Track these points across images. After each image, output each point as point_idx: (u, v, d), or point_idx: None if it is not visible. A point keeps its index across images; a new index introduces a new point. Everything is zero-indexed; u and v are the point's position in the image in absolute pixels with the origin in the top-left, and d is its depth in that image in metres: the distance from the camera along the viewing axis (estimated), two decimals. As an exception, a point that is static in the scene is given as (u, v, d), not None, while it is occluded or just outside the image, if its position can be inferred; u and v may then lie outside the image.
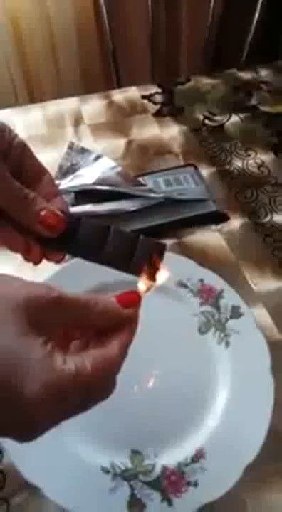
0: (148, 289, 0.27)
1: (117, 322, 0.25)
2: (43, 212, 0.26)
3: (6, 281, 0.23)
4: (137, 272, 0.27)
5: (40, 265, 0.48)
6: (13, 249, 0.28)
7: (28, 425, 0.21)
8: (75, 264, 0.44)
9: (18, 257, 0.49)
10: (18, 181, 0.27)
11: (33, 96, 1.00)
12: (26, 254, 0.28)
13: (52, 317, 0.22)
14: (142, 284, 0.27)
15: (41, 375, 0.20)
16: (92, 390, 0.23)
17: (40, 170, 0.29)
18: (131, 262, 0.27)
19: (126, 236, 0.28)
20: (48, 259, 0.29)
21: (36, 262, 0.28)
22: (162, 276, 0.29)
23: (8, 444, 0.34)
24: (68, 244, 0.28)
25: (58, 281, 0.42)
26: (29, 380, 0.20)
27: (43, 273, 0.43)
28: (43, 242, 0.28)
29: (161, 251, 0.28)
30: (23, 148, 0.28)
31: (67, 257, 0.30)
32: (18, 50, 0.94)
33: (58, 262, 0.29)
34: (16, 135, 0.28)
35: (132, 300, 0.25)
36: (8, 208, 0.26)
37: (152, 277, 0.27)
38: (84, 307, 0.23)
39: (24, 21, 0.91)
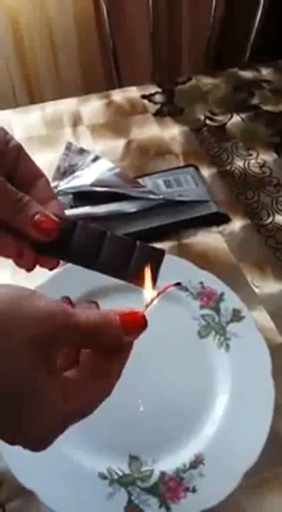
0: (152, 301, 0.27)
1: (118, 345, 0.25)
2: (37, 216, 0.26)
3: (14, 307, 0.21)
4: (133, 280, 0.27)
5: (35, 270, 0.48)
6: (5, 254, 0.27)
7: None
8: (72, 267, 0.43)
9: (13, 263, 0.49)
10: (13, 184, 0.26)
11: (33, 96, 1.00)
12: (18, 260, 0.27)
13: (59, 344, 0.22)
14: (147, 293, 0.27)
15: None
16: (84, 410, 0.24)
17: (36, 173, 0.28)
18: (127, 270, 0.27)
19: (123, 242, 0.27)
20: (42, 265, 0.28)
21: (29, 269, 0.28)
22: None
23: (5, 449, 0.34)
24: (62, 250, 0.27)
25: (56, 284, 0.42)
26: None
27: (40, 276, 0.42)
28: (36, 248, 0.27)
29: (159, 258, 0.27)
30: (19, 151, 0.28)
31: (61, 263, 0.29)
32: (17, 50, 0.94)
33: (51, 268, 0.28)
34: (11, 137, 0.27)
35: (137, 326, 0.25)
36: (1, 211, 0.26)
37: (150, 286, 0.27)
38: (91, 331, 0.23)
39: (24, 21, 0.90)
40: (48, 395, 0.21)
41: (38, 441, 0.23)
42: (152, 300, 0.27)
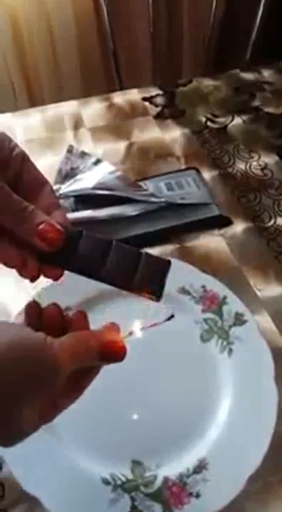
0: (131, 334, 0.28)
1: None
2: (41, 226, 0.25)
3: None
4: (137, 291, 0.26)
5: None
6: (8, 264, 0.27)
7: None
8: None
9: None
10: (17, 192, 0.26)
11: (33, 98, 1.00)
12: (22, 270, 0.27)
13: None
14: (137, 324, 0.28)
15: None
16: None
17: (41, 181, 0.28)
18: (132, 280, 0.26)
19: (128, 252, 0.27)
20: (46, 275, 0.28)
21: (33, 279, 0.27)
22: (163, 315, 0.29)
23: (8, 455, 0.34)
24: (66, 260, 0.27)
25: (58, 288, 0.42)
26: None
27: (42, 282, 0.42)
28: (40, 258, 0.27)
29: (164, 269, 0.27)
30: (23, 159, 0.27)
31: (65, 272, 0.29)
32: (17, 52, 0.94)
33: (56, 278, 0.28)
34: (15, 145, 0.27)
35: (115, 358, 0.26)
36: (5, 220, 0.25)
37: (155, 295, 0.26)
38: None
39: (24, 22, 0.90)
40: (25, 417, 0.23)
41: (8, 440, 0.24)
42: (131, 333, 0.28)
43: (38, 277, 0.27)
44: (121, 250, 0.27)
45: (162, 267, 0.27)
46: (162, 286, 0.26)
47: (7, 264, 0.27)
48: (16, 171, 0.27)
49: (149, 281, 0.26)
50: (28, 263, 0.26)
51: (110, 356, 0.26)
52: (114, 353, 0.26)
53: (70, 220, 0.28)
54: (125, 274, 0.26)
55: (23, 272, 0.27)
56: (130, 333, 0.28)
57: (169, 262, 0.27)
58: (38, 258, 0.27)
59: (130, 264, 0.26)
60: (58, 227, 0.26)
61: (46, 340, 0.23)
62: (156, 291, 0.26)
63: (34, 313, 0.27)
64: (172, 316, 0.30)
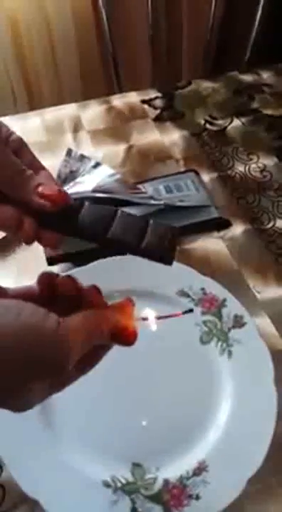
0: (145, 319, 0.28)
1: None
2: (41, 187, 0.25)
3: None
4: (148, 255, 0.25)
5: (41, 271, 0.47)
6: (3, 224, 0.26)
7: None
8: (74, 274, 0.43)
9: (17, 267, 0.49)
10: None
11: (33, 101, 1.00)
12: (18, 232, 0.26)
13: None
14: (152, 312, 0.28)
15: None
16: None
17: (38, 167, 0.27)
18: (140, 244, 0.25)
19: (135, 219, 0.26)
20: (43, 243, 0.26)
21: (28, 241, 0.26)
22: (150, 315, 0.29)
23: (8, 458, 0.34)
24: (68, 224, 0.25)
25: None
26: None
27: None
28: (40, 219, 0.25)
29: (173, 235, 0.25)
30: (20, 145, 0.27)
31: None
32: (17, 54, 0.94)
33: (53, 246, 0.27)
34: (12, 132, 0.27)
35: (124, 343, 0.26)
36: (4, 181, 0.25)
37: (166, 259, 0.25)
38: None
39: (23, 26, 0.91)
40: (35, 391, 0.23)
41: (17, 408, 0.23)
42: (145, 319, 0.28)
43: (33, 240, 0.26)
44: (127, 217, 0.25)
45: (171, 231, 0.25)
46: (171, 249, 0.25)
47: (2, 225, 0.26)
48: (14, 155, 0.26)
49: (158, 245, 0.25)
50: (24, 224, 0.25)
51: (120, 340, 0.26)
52: (124, 338, 0.26)
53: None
54: (132, 237, 0.25)
55: (19, 234, 0.26)
56: (144, 319, 0.28)
57: (178, 229, 0.26)
58: (38, 219, 0.25)
59: (137, 229, 0.25)
60: (59, 187, 0.25)
61: (58, 326, 0.22)
62: (166, 255, 0.25)
63: (47, 284, 0.26)
64: (191, 310, 0.30)
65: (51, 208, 0.25)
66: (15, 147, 0.27)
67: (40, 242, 0.26)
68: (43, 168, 0.28)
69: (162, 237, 0.25)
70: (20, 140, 0.27)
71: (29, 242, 0.26)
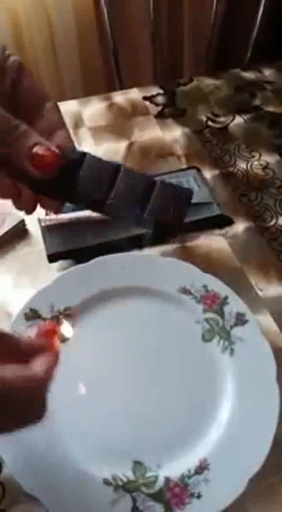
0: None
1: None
2: (35, 149, 0.21)
3: None
4: (155, 221, 0.22)
5: (39, 273, 0.48)
6: (2, 195, 0.24)
7: None
8: (74, 271, 0.43)
9: (17, 265, 0.49)
10: (14, 108, 0.22)
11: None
12: (17, 201, 0.24)
13: None
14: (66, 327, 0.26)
15: None
16: (12, 400, 0.21)
17: (41, 95, 0.24)
18: (143, 212, 0.21)
19: (140, 180, 0.22)
20: (44, 207, 0.24)
21: (29, 211, 0.24)
22: (67, 331, 0.27)
23: (8, 455, 0.34)
24: (65, 191, 0.23)
25: (57, 289, 0.42)
26: None
27: (42, 281, 0.42)
28: (36, 187, 0.23)
29: (184, 197, 0.22)
30: (20, 70, 0.23)
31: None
32: (18, 51, 0.93)
33: (55, 211, 0.25)
34: (9, 54, 0.23)
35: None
36: None
37: (170, 231, 0.23)
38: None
39: (24, 22, 0.90)
40: None
41: None
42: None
43: (33, 210, 0.24)
44: (130, 178, 0.22)
45: (181, 193, 0.22)
46: (181, 217, 0.22)
47: (3, 196, 0.24)
48: (13, 80, 0.23)
49: (164, 207, 0.22)
50: (22, 193, 0.23)
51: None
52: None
53: (72, 144, 0.24)
54: (133, 205, 0.22)
55: (19, 204, 0.24)
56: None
57: (190, 192, 0.22)
58: (34, 187, 0.23)
59: (142, 191, 0.22)
60: (54, 149, 0.22)
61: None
62: (172, 219, 0.22)
63: None
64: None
65: (44, 177, 0.22)
66: (14, 71, 0.23)
67: (42, 206, 0.24)
68: (47, 97, 0.24)
69: (168, 204, 0.22)
70: (19, 63, 0.23)
71: (29, 212, 0.24)
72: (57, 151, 0.22)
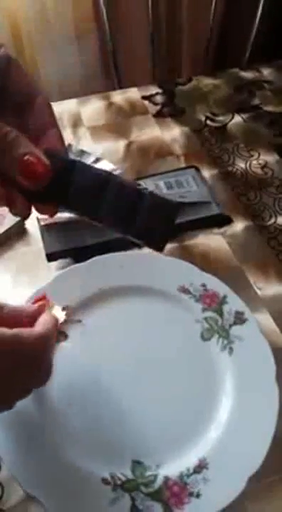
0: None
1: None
2: (25, 158, 0.21)
3: None
4: (139, 237, 0.22)
5: (37, 272, 0.47)
6: None
7: None
8: (73, 270, 0.43)
9: (16, 264, 0.49)
10: (2, 103, 0.22)
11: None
12: (12, 207, 0.23)
13: None
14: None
15: None
16: (23, 357, 0.23)
17: (32, 90, 0.23)
18: (132, 226, 0.22)
19: (129, 191, 0.22)
20: (39, 211, 0.24)
21: (25, 216, 0.24)
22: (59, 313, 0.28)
23: (7, 455, 0.33)
24: (57, 197, 0.23)
25: (56, 287, 0.41)
26: None
27: (41, 280, 0.42)
28: (27, 195, 0.23)
29: (171, 213, 0.22)
30: (9, 63, 0.22)
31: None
32: (16, 51, 0.93)
33: (51, 215, 0.25)
34: None
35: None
36: None
37: (156, 247, 0.22)
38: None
39: (23, 22, 0.90)
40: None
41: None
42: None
43: (28, 215, 0.24)
44: (120, 189, 0.22)
45: (168, 211, 0.22)
46: (165, 235, 0.22)
47: None
48: (0, 74, 0.22)
49: (150, 229, 0.22)
50: (17, 201, 0.23)
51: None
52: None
53: (64, 144, 0.24)
54: (124, 217, 0.22)
55: (14, 210, 0.24)
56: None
57: (177, 206, 0.22)
58: (26, 196, 0.23)
59: (130, 206, 0.22)
60: (44, 161, 0.21)
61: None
62: (157, 242, 0.22)
63: None
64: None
65: (34, 188, 0.22)
66: (2, 63, 0.22)
67: (37, 211, 0.24)
68: (38, 92, 0.23)
69: (156, 218, 0.22)
70: (8, 57, 0.22)
71: (25, 218, 0.25)
72: (47, 162, 0.22)
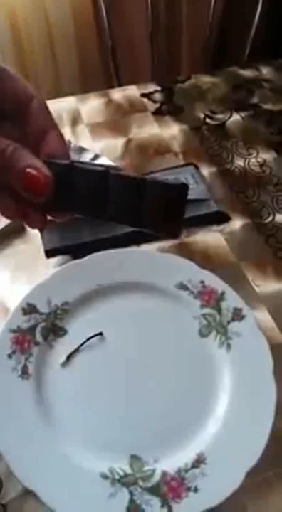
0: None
1: None
2: (27, 170, 0.21)
3: None
4: (151, 227, 0.21)
5: (36, 269, 0.47)
6: (9, 216, 0.24)
7: None
8: (71, 266, 0.43)
9: (15, 260, 0.49)
10: None
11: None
12: (27, 221, 0.23)
13: None
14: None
15: None
16: None
17: (27, 94, 0.23)
18: (141, 215, 0.21)
19: (130, 182, 0.21)
20: (53, 216, 0.24)
21: (40, 229, 0.26)
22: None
23: (5, 449, 0.34)
24: (64, 202, 0.22)
25: (55, 284, 0.42)
26: None
27: (39, 277, 0.42)
28: (39, 205, 0.23)
29: (180, 195, 0.21)
30: (1, 73, 0.23)
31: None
32: (16, 49, 0.93)
33: (64, 219, 0.25)
34: None
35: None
36: None
37: (171, 233, 0.21)
38: None
39: (22, 20, 0.90)
40: None
41: None
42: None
43: (43, 226, 0.24)
44: (120, 182, 0.22)
45: (175, 194, 0.21)
46: (177, 220, 0.21)
47: (8, 216, 0.24)
48: None
49: (160, 218, 0.21)
50: (30, 214, 0.23)
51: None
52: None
53: (65, 145, 0.24)
54: (131, 210, 0.21)
55: (29, 224, 0.24)
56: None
57: (184, 187, 0.21)
58: (39, 206, 0.23)
59: (135, 198, 0.21)
60: (45, 172, 0.21)
61: None
62: (171, 229, 0.21)
63: None
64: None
65: (36, 200, 0.22)
66: None
67: (50, 216, 0.24)
68: (34, 96, 0.23)
69: (164, 203, 0.21)
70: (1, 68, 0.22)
71: (41, 230, 0.24)
72: (47, 172, 0.21)
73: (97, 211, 0.22)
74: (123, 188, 0.22)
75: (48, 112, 0.24)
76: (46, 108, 0.24)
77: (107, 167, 0.22)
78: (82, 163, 0.22)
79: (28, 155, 0.21)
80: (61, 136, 0.24)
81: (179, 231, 0.21)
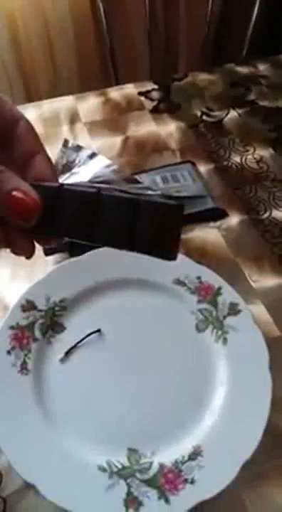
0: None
1: None
2: (13, 193, 0.20)
3: None
4: (146, 251, 0.20)
5: (34, 267, 0.48)
6: None
7: None
8: (69, 263, 0.44)
9: (13, 258, 0.49)
10: None
11: (30, 94, 1.00)
12: (13, 248, 0.23)
13: None
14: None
15: None
16: None
17: (13, 117, 0.22)
18: (135, 239, 0.20)
19: (123, 203, 0.20)
20: (42, 244, 0.24)
21: (28, 256, 0.23)
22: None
23: (5, 443, 0.34)
24: (52, 227, 0.22)
25: (53, 281, 0.42)
26: None
27: (38, 274, 0.43)
28: (27, 231, 0.22)
29: (173, 218, 0.19)
30: None
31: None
32: (14, 49, 0.94)
33: (51, 244, 0.25)
34: None
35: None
36: None
37: (166, 256, 0.19)
38: None
39: (21, 19, 0.90)
40: None
41: None
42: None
43: (32, 254, 0.23)
44: (113, 203, 0.20)
45: (171, 215, 0.19)
46: (174, 242, 0.20)
47: None
48: None
49: (155, 241, 0.20)
50: (17, 241, 0.22)
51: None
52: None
53: (53, 168, 0.23)
54: (124, 235, 0.20)
55: (15, 251, 0.23)
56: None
57: (179, 207, 0.19)
58: (26, 232, 0.22)
59: (127, 221, 0.20)
60: (32, 194, 0.20)
61: None
62: (167, 252, 0.20)
63: None
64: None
65: (24, 225, 0.21)
66: None
67: (38, 243, 0.23)
68: (20, 117, 0.22)
69: (159, 225, 0.20)
70: None
71: (29, 257, 0.23)
72: (35, 196, 0.20)
73: (88, 235, 0.21)
74: (116, 209, 0.20)
75: (35, 135, 0.23)
76: (33, 130, 0.23)
77: (99, 188, 0.21)
78: (71, 185, 0.21)
79: (15, 177, 0.20)
80: (48, 159, 0.23)
81: (176, 253, 0.20)
